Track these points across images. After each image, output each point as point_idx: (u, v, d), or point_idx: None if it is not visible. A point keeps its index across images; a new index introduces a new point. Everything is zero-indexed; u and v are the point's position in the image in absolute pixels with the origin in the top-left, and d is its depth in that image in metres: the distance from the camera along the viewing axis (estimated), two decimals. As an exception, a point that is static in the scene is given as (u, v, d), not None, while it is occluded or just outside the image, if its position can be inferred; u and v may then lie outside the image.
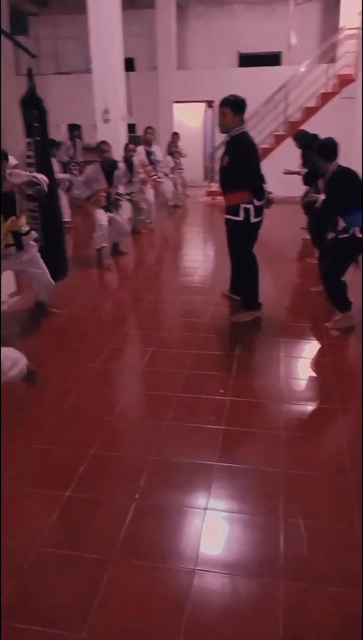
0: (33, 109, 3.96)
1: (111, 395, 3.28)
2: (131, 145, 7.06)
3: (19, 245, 3.76)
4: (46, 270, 4.06)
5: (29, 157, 4.04)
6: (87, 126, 9.84)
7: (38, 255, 3.98)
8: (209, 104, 11.72)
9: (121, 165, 6.27)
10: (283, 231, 7.19)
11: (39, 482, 2.34)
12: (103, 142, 6.00)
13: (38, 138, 4.00)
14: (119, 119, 8.09)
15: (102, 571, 1.84)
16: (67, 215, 7.92)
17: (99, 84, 7.79)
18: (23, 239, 3.77)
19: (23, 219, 3.80)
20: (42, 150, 4.05)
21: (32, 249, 3.91)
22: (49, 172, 4.18)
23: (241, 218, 3.88)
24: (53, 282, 4.20)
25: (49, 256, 4.27)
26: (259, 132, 10.04)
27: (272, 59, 11.75)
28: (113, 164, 5.99)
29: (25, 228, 3.81)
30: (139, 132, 8.73)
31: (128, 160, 6.92)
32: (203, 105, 12.24)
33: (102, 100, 7.83)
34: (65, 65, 12.52)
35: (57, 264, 4.38)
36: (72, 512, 2.14)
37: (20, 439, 2.69)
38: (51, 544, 1.97)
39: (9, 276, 4.79)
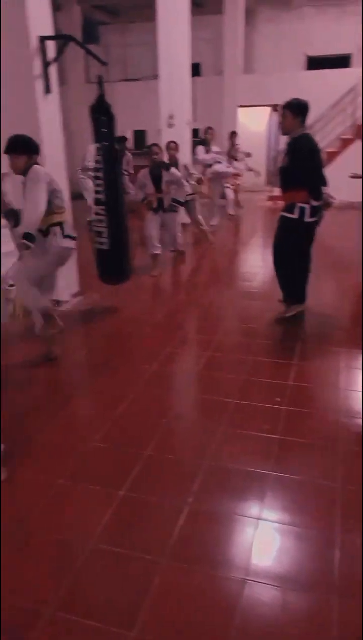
0: (102, 115, 4.08)
1: (167, 398, 3.31)
2: (172, 144, 6.69)
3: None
4: (36, 295, 3.52)
5: (97, 162, 4.17)
6: (151, 131, 10.01)
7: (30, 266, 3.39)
8: (275, 107, 11.61)
9: (174, 170, 5.90)
10: (347, 237, 7.00)
11: (95, 479, 2.40)
12: (154, 145, 5.84)
13: (106, 143, 4.11)
14: (184, 124, 8.18)
15: (154, 572, 1.86)
16: None
17: (165, 90, 7.92)
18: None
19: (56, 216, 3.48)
20: (110, 155, 4.16)
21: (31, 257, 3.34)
22: (116, 177, 4.28)
23: (295, 216, 3.94)
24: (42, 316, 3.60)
25: (113, 259, 4.38)
26: (325, 135, 9.83)
27: (342, 61, 11.49)
28: (161, 167, 5.73)
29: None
30: (202, 134, 8.74)
31: (172, 160, 6.53)
32: (268, 110, 12.15)
33: (168, 106, 7.95)
34: (133, 72, 12.83)
35: (121, 267, 4.49)
36: (126, 511, 2.18)
37: (79, 436, 2.78)
38: (104, 541, 2.02)
39: (73, 274, 4.95)
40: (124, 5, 11.96)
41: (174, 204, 5.92)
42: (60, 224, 3.49)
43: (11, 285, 2.18)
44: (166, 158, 6.29)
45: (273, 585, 1.81)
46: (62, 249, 3.57)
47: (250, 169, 9.28)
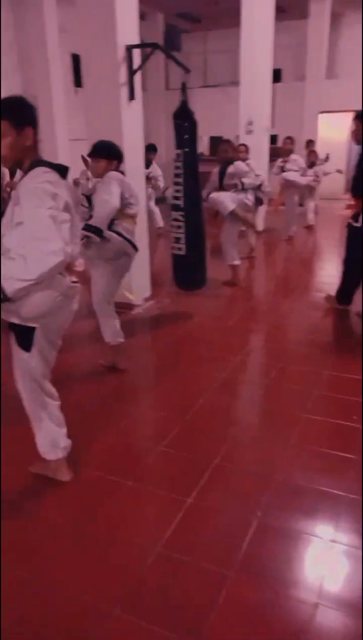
0: (184, 122, 4.11)
1: (236, 407, 3.27)
2: (241, 147, 6.33)
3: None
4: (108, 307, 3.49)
5: (177, 167, 4.20)
6: (229, 138, 9.99)
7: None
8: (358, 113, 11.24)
9: (238, 163, 5.43)
10: None
11: (162, 484, 2.40)
12: (225, 141, 5.60)
13: (187, 150, 4.14)
14: (263, 130, 8.10)
15: (221, 585, 1.82)
16: (160, 222, 8.16)
17: (245, 96, 7.90)
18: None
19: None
20: (191, 160, 4.18)
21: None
22: (195, 182, 4.29)
23: (359, 224, 4.02)
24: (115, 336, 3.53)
25: (190, 265, 4.41)
26: None
27: None
28: (228, 164, 5.37)
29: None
30: (281, 143, 8.60)
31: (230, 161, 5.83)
32: (350, 115, 11.78)
33: (247, 112, 7.91)
34: (212, 79, 12.91)
35: (197, 274, 4.51)
36: (193, 519, 2.15)
37: (147, 439, 2.80)
38: (171, 547, 2.00)
39: (146, 279, 5.01)
40: (206, 12, 12.05)
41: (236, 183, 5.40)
42: (112, 220, 3.29)
43: (75, 282, 2.18)
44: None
45: (347, 613, 1.71)
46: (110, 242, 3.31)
47: (326, 174, 9.02)
